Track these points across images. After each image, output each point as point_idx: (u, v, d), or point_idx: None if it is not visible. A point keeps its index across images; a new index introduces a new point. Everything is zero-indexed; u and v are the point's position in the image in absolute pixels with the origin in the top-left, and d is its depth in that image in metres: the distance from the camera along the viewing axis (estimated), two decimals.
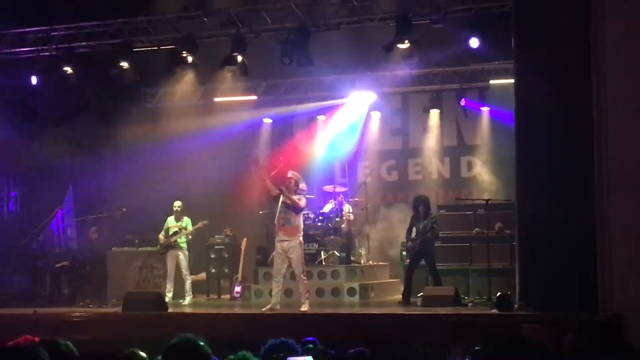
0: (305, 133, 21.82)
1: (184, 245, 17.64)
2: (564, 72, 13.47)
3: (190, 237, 17.70)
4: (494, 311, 13.73)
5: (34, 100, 18.87)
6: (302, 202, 15.17)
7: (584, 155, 13.24)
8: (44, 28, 17.79)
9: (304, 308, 14.85)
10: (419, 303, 15.54)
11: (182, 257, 17.55)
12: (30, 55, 18.09)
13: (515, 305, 13.57)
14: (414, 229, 16.34)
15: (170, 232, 17.58)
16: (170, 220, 17.68)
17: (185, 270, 17.56)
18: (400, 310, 15.34)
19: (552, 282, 13.16)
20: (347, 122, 21.32)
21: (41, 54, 18.01)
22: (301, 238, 15.13)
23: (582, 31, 13.25)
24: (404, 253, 17.40)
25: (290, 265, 15.17)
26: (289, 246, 14.98)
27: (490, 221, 16.95)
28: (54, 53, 17.90)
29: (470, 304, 15.62)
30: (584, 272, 13.02)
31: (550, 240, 13.32)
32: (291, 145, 21.54)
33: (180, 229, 17.56)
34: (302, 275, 15.06)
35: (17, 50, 18.00)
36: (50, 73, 17.97)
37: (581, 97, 13.26)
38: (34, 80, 18.18)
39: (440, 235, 16.98)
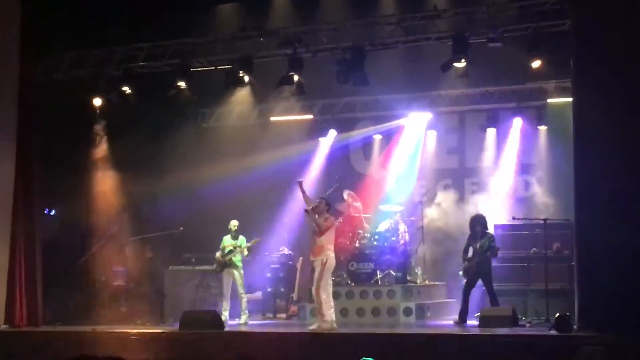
0: (362, 152, 21.79)
1: (240, 263, 17.71)
2: (623, 90, 13.35)
3: (245, 254, 17.75)
4: (553, 332, 13.58)
5: (93, 120, 19.15)
6: (326, 223, 15.27)
7: None
8: (104, 49, 18.07)
9: (313, 326, 15.19)
10: (476, 323, 15.42)
11: (238, 275, 17.62)
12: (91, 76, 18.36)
13: (575, 327, 13.41)
14: (471, 249, 16.24)
15: (226, 251, 17.68)
16: (227, 239, 17.78)
17: (241, 289, 17.63)
18: (458, 331, 15.23)
19: (613, 303, 13.00)
20: (404, 141, 21.25)
21: (101, 74, 18.25)
22: (325, 258, 15.14)
23: None
24: (461, 273, 17.28)
25: None
26: (315, 265, 15.24)
27: (548, 241, 16.79)
28: (113, 73, 18.14)
29: (528, 325, 15.48)
30: None
31: (609, 260, 13.16)
32: (347, 165, 21.55)
33: (235, 248, 17.65)
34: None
35: (78, 71, 18.28)
36: (110, 93, 18.24)
37: None
38: (95, 101, 18.47)
39: (498, 255, 16.86)
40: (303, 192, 15.71)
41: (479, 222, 16.42)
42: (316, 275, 15.23)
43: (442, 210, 20.01)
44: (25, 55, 16.95)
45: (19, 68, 16.89)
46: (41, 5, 16.89)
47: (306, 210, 15.43)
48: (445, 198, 20.28)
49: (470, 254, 16.24)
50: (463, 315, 16.06)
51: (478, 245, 16.11)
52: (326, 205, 15.54)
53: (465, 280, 16.50)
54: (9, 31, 16.75)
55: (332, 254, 15.34)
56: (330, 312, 15.20)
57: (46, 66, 18.04)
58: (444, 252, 19.53)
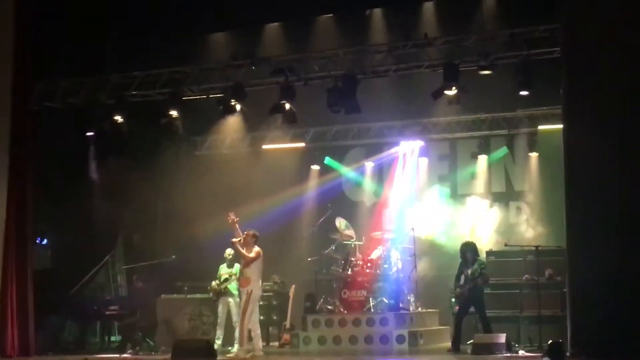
0: (353, 180, 21.83)
1: (235, 292, 17.67)
2: (614, 117, 13.42)
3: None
4: (546, 359, 13.57)
5: (86, 150, 19.21)
6: (251, 255, 15.83)
7: (635, 200, 13.13)
8: (97, 78, 18.13)
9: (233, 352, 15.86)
10: (469, 351, 15.41)
11: (233, 303, 17.58)
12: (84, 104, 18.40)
13: (568, 353, 13.41)
14: (462, 276, 16.26)
15: (222, 280, 17.68)
16: (223, 268, 17.78)
17: (235, 317, 17.57)
18: (451, 358, 15.20)
19: (605, 329, 13.01)
20: (395, 169, 21.31)
21: (94, 102, 18.30)
22: (251, 289, 15.75)
23: (633, 77, 13.22)
24: (453, 300, 17.28)
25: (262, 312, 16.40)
26: (241, 295, 15.86)
27: (541, 268, 16.82)
28: (107, 102, 18.18)
29: (521, 352, 15.45)
30: (636, 319, 12.86)
31: (602, 286, 13.18)
32: (339, 192, 21.57)
33: (230, 276, 17.65)
34: (237, 322, 16.01)
35: (71, 99, 18.32)
36: (103, 122, 18.27)
37: (632, 143, 13.18)
38: (88, 129, 18.53)
39: (489, 281, 16.90)
40: (234, 225, 16.02)
41: (469, 248, 16.46)
42: (241, 305, 15.80)
43: (435, 237, 20.06)
44: (18, 83, 16.98)
45: (11, 95, 16.91)
46: (34, 33, 16.94)
47: (232, 242, 15.91)
48: (437, 225, 20.32)
49: (462, 281, 16.26)
50: (456, 343, 16.04)
51: (469, 272, 16.13)
52: (253, 237, 16.01)
53: (457, 308, 16.51)
54: (1, 58, 16.78)
55: (258, 285, 15.97)
56: (257, 341, 15.97)
57: (40, 94, 18.09)
58: (437, 279, 19.53)
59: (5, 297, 16.74)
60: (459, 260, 16.53)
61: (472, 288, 16.03)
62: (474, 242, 17.05)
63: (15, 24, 16.79)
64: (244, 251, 15.82)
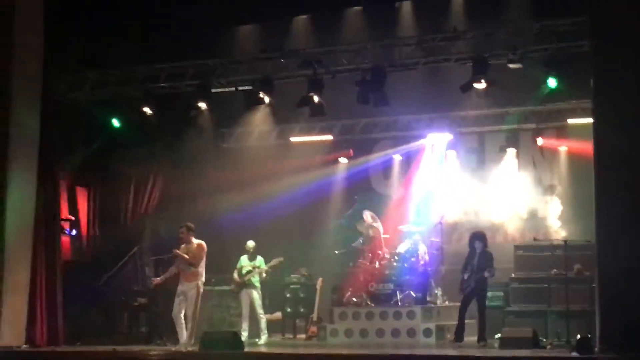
0: (381, 173, 21.78)
1: (258, 284, 17.76)
2: None
3: (264, 275, 17.82)
4: (574, 354, 13.47)
5: (114, 140, 19.29)
6: (197, 252, 15.75)
7: None
8: (125, 70, 18.18)
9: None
10: (496, 345, 15.34)
11: (256, 295, 17.67)
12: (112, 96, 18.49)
13: (596, 349, 13.32)
14: (469, 266, 16.20)
15: (244, 272, 17.72)
16: (244, 260, 17.84)
17: (259, 309, 17.67)
18: (478, 352, 15.13)
19: (634, 324, 12.90)
20: (424, 161, 21.25)
21: (122, 95, 18.38)
22: (200, 282, 15.75)
23: None
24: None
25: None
26: (187, 290, 15.69)
27: (569, 262, 16.70)
28: (134, 94, 18.24)
29: (549, 346, 15.36)
30: None
31: (631, 282, 13.08)
32: (367, 185, 21.54)
33: (253, 268, 17.70)
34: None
35: (99, 91, 18.40)
36: (131, 114, 18.35)
37: None
38: (115, 122, 18.64)
39: (517, 276, 16.82)
40: (179, 255, 15.85)
41: (477, 238, 16.41)
42: (192, 300, 15.68)
43: (462, 231, 20.00)
44: (47, 75, 17.09)
45: (41, 87, 17.02)
46: (63, 25, 17.02)
47: (174, 252, 15.86)
48: (464, 218, 20.26)
49: (468, 271, 16.21)
50: (459, 333, 16.01)
51: (476, 263, 16.08)
52: (188, 230, 15.95)
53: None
54: (32, 51, 16.89)
55: (203, 278, 15.92)
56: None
57: (68, 86, 18.18)
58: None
59: (35, 288, 16.86)
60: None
61: (478, 280, 15.98)
62: (483, 232, 16.95)
63: (44, 17, 16.87)
64: (187, 256, 15.65)
